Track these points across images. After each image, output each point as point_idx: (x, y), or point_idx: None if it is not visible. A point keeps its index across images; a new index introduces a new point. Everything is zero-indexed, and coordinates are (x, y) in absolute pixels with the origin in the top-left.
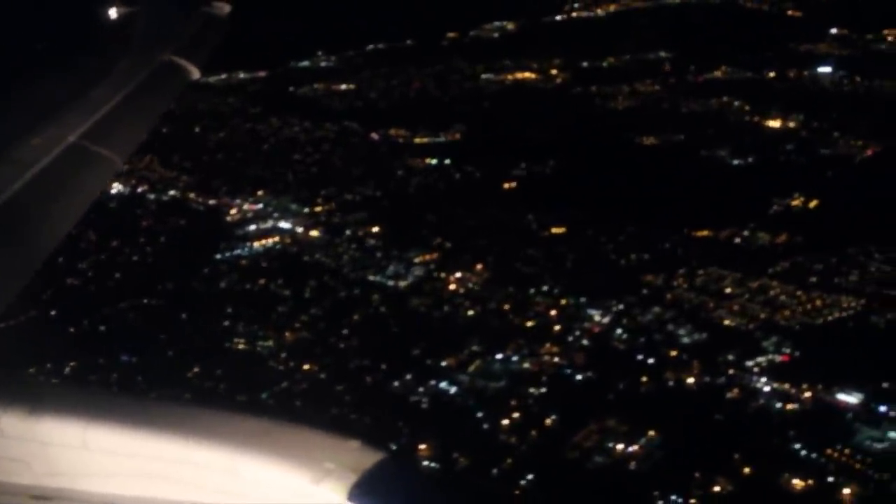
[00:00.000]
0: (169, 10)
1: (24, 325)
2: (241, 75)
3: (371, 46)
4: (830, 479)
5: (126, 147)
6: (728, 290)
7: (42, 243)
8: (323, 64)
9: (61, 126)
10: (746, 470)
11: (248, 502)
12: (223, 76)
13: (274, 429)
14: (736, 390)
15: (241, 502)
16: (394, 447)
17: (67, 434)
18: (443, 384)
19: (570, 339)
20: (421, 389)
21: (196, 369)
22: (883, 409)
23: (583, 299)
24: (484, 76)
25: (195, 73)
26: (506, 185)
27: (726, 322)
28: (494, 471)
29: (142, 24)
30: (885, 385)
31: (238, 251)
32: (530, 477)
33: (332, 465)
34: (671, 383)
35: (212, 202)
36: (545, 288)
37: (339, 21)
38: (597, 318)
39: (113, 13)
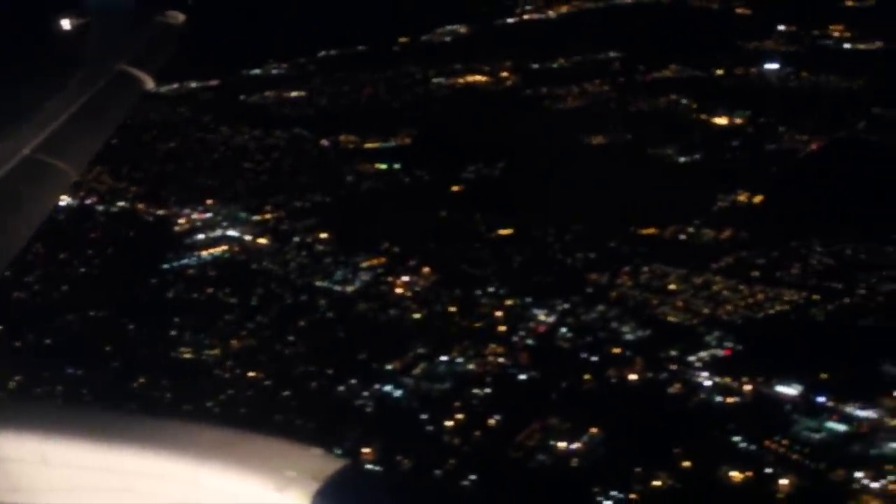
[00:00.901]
0: (122, 21)
1: None
2: (193, 84)
3: (323, 53)
4: (769, 470)
5: (81, 159)
6: (672, 287)
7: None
8: (274, 71)
9: (15, 139)
10: (686, 464)
11: None
12: (175, 86)
13: (234, 438)
14: (678, 385)
15: None
16: (339, 452)
17: (25, 449)
18: (387, 387)
19: (515, 339)
20: (366, 393)
21: (142, 380)
22: (821, 400)
23: (528, 299)
24: (435, 80)
25: (149, 83)
26: (454, 188)
27: (669, 318)
28: (437, 472)
29: (95, 35)
30: (823, 377)
31: (186, 260)
32: (473, 477)
33: (294, 474)
34: (614, 380)
35: (160, 212)
36: (491, 289)
37: (291, 28)
38: (542, 317)
39: (66, 24)
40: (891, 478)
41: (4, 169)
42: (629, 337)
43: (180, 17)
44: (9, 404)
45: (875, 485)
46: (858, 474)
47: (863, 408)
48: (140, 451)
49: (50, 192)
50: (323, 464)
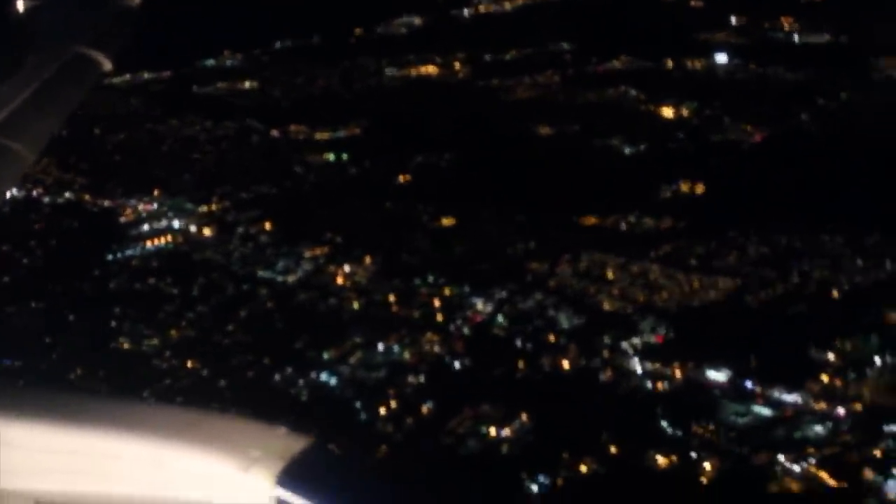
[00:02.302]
0: (78, 2)
1: None
2: (146, 76)
3: (278, 44)
4: (693, 454)
5: (38, 141)
6: (609, 276)
7: None
8: (229, 63)
9: None
10: (613, 449)
11: (177, 493)
12: (127, 77)
13: (199, 420)
14: (609, 372)
15: (169, 493)
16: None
17: None
18: (323, 376)
19: (452, 328)
20: (301, 382)
21: (79, 371)
22: (748, 385)
23: (466, 288)
24: (388, 72)
25: (107, 65)
26: (401, 179)
27: (605, 306)
28: (368, 459)
29: (50, 15)
30: (752, 363)
31: (129, 251)
32: (404, 463)
33: (259, 453)
34: (547, 367)
35: (106, 204)
36: (430, 279)
37: (248, 19)
38: (479, 306)
39: (20, 5)
40: (812, 460)
41: None
42: (564, 325)
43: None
44: None
45: (796, 467)
46: (781, 457)
47: (789, 392)
48: (103, 433)
49: (7, 175)
50: (287, 443)
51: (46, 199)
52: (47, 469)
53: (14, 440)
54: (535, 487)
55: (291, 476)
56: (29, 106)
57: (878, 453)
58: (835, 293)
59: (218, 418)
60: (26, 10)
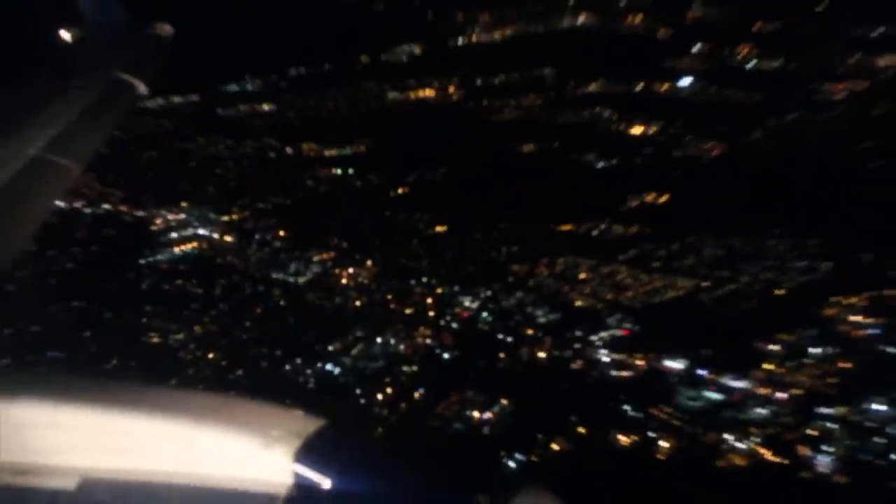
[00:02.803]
0: (117, 32)
1: None
2: (176, 99)
3: (293, 71)
4: (652, 434)
5: (84, 156)
6: (582, 276)
7: (8, 249)
8: (249, 87)
9: (23, 140)
10: (581, 429)
11: (206, 469)
12: (160, 100)
13: (225, 403)
14: (580, 362)
15: (199, 469)
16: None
17: (39, 415)
18: (328, 366)
19: (442, 323)
20: (308, 371)
21: (114, 361)
22: (701, 373)
23: (456, 288)
24: (390, 95)
25: (143, 89)
26: (399, 191)
27: (577, 303)
28: (370, 439)
29: (93, 45)
30: (705, 353)
31: (159, 256)
32: (398, 442)
33: (279, 433)
34: (525, 358)
35: (140, 213)
36: (424, 279)
37: (266, 49)
38: (466, 304)
39: (66, 36)
40: (755, 439)
41: (15, 167)
42: (541, 320)
43: (169, 30)
44: (23, 377)
45: (741, 445)
46: (728, 436)
47: (736, 379)
48: (140, 416)
49: (56, 187)
50: (304, 424)
51: (88, 210)
52: (90, 448)
53: (61, 422)
54: (512, 463)
55: (308, 453)
56: (75, 126)
57: (812, 432)
58: (779, 292)
59: (241, 402)
60: (72, 40)
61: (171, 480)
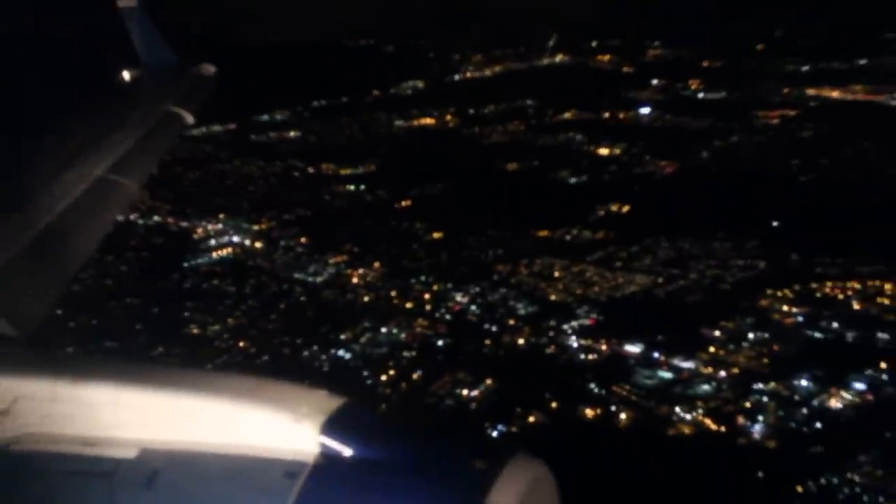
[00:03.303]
0: (168, 72)
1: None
2: (216, 128)
3: (315, 103)
4: (613, 408)
5: (141, 176)
6: (556, 275)
7: (79, 256)
8: (278, 117)
9: (90, 163)
10: (553, 405)
11: (243, 441)
12: (203, 129)
13: (258, 384)
14: (553, 347)
15: (236, 441)
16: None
17: (104, 395)
18: (340, 352)
19: (437, 315)
20: (323, 357)
21: (160, 349)
22: (655, 355)
23: (449, 285)
24: (396, 123)
25: (190, 120)
26: (403, 203)
27: (552, 298)
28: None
29: (149, 82)
30: (658, 338)
31: (199, 261)
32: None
33: (307, 409)
34: (507, 344)
35: (184, 224)
36: (422, 278)
37: (293, 85)
38: (458, 299)
39: (126, 76)
40: (700, 411)
41: (83, 186)
42: (521, 312)
43: (212, 70)
44: (91, 362)
45: (688, 416)
46: (677, 409)
47: (685, 360)
48: (187, 395)
49: (117, 202)
50: (329, 401)
51: (140, 222)
52: (146, 423)
53: (122, 401)
54: (494, 433)
55: (332, 426)
56: (133, 151)
57: (748, 405)
58: (721, 286)
59: (273, 383)
60: (131, 79)
61: (214, 451)
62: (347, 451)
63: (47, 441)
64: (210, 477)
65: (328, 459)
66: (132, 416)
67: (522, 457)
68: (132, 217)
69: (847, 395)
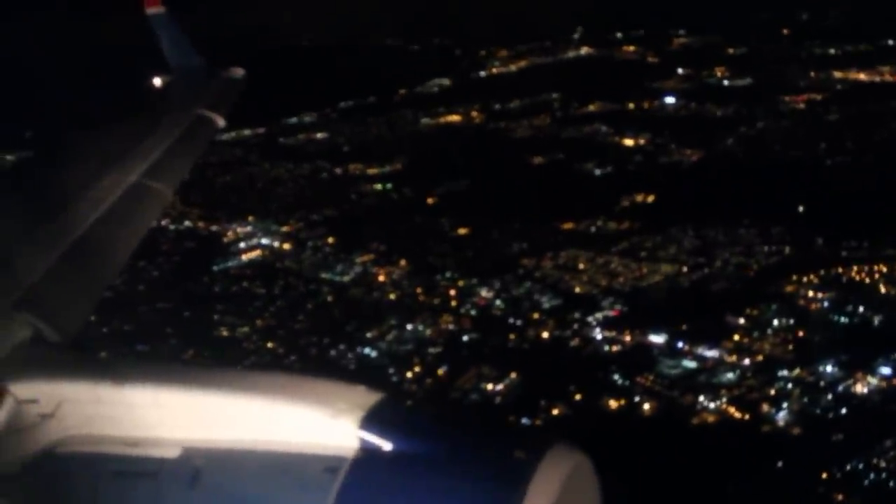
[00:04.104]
0: (199, 76)
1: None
2: (246, 132)
3: (342, 104)
4: (637, 398)
5: (175, 180)
6: (580, 266)
7: (116, 261)
8: (307, 119)
9: (124, 169)
10: (578, 397)
11: (283, 438)
12: (233, 133)
13: (296, 381)
14: (577, 339)
15: (277, 438)
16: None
17: (146, 396)
18: (367, 349)
19: (462, 311)
20: (350, 355)
21: (191, 351)
22: (680, 344)
23: (474, 281)
24: (423, 120)
25: (221, 123)
26: (429, 200)
27: (576, 290)
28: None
29: (179, 86)
30: (683, 328)
31: (230, 263)
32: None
33: (345, 405)
34: (531, 338)
35: (214, 228)
36: (448, 274)
37: (320, 86)
38: (483, 293)
39: (157, 82)
40: (724, 399)
41: (118, 192)
42: (545, 305)
43: (240, 72)
44: (126, 362)
45: (712, 405)
46: (701, 398)
47: (709, 349)
48: (227, 395)
49: (152, 208)
50: (367, 397)
51: (172, 226)
52: (188, 422)
53: (163, 401)
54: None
55: (370, 422)
56: (167, 155)
57: (772, 392)
58: (747, 273)
59: (310, 380)
60: (162, 85)
61: (254, 448)
62: (387, 446)
63: (92, 443)
64: (251, 474)
65: (367, 454)
66: (173, 416)
67: (562, 446)
68: (163, 222)
69: (874, 381)
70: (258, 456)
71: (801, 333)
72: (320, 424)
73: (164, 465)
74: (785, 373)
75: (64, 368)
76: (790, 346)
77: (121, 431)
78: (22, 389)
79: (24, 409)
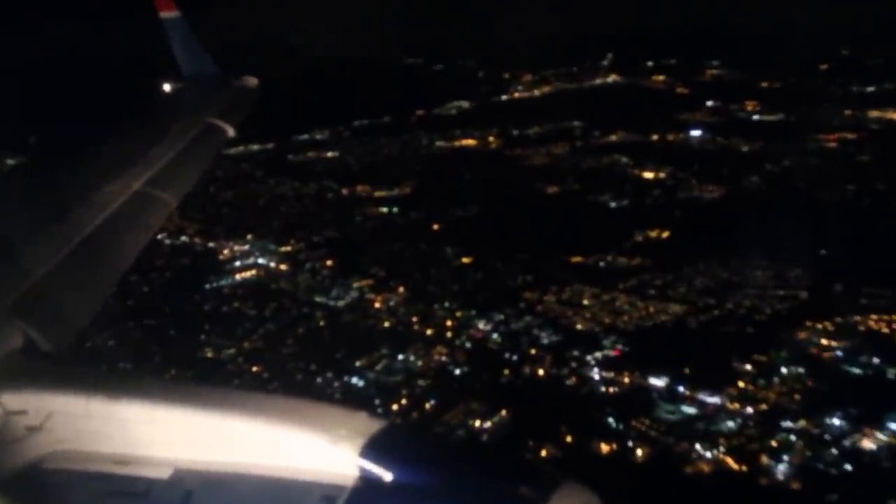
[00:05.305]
0: (210, 84)
1: None
2: (255, 147)
3: (356, 122)
4: (630, 443)
5: (180, 191)
6: (585, 302)
7: (116, 269)
8: (318, 136)
9: (129, 176)
10: (569, 438)
11: (281, 462)
12: (241, 148)
13: (297, 405)
14: (574, 378)
15: (274, 463)
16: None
17: (139, 413)
18: (354, 379)
19: (457, 342)
20: (336, 384)
21: (172, 372)
22: (680, 389)
23: (473, 312)
24: (438, 143)
25: (231, 133)
26: (435, 227)
27: (578, 326)
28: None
29: (190, 95)
30: (685, 371)
31: (223, 282)
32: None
33: (346, 432)
34: (526, 374)
35: (211, 245)
36: (446, 304)
37: (335, 103)
38: (480, 326)
39: (167, 88)
40: (721, 448)
41: (120, 200)
42: (544, 341)
43: (254, 81)
44: (127, 379)
45: (708, 454)
46: (697, 445)
47: (711, 395)
48: (223, 415)
49: (155, 217)
50: (368, 424)
51: (167, 241)
52: (182, 442)
53: (157, 419)
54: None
55: (371, 449)
56: (173, 164)
57: (773, 443)
58: (758, 317)
59: (310, 404)
60: (172, 90)
61: (251, 472)
62: (388, 476)
63: (80, 459)
64: (245, 499)
65: (367, 483)
66: (167, 434)
67: (571, 484)
68: (159, 236)
69: (882, 436)
70: (253, 481)
71: (809, 383)
72: (319, 450)
73: (154, 486)
74: (789, 423)
75: (54, 380)
76: (797, 396)
77: (111, 448)
78: (9, 400)
79: (11, 421)
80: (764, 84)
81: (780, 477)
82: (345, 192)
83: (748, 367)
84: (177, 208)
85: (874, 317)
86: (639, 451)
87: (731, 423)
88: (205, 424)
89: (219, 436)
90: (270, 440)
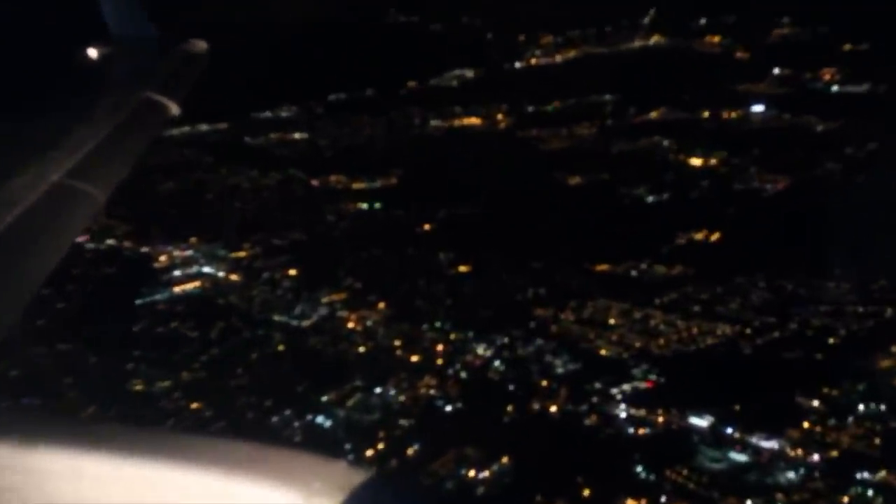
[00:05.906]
0: (147, 48)
1: None
2: (203, 127)
3: (332, 97)
4: (663, 498)
5: (110, 183)
6: (611, 322)
7: (29, 281)
8: (283, 114)
9: (45, 165)
10: (586, 492)
11: None
12: (186, 129)
13: (262, 453)
14: (594, 417)
15: None
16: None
17: (60, 463)
18: (319, 418)
19: (450, 372)
20: (297, 424)
21: (91, 409)
22: (728, 431)
23: (470, 334)
24: (432, 123)
25: (174, 110)
26: (426, 227)
27: (602, 351)
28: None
29: (122, 61)
30: (735, 408)
31: (157, 296)
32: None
33: (321, 485)
34: (535, 411)
35: (144, 250)
36: (437, 324)
37: (306, 71)
38: (479, 351)
39: (92, 53)
40: None
41: (35, 194)
42: (559, 370)
43: (203, 46)
44: (43, 420)
45: None
46: (749, 502)
47: (767, 438)
48: (171, 466)
49: (79, 216)
50: (347, 476)
51: (90, 245)
52: (114, 500)
53: (84, 471)
54: None
55: None
56: (101, 149)
57: (845, 499)
58: (831, 340)
59: (279, 452)
60: (99, 58)
61: None
62: None
63: None
64: None
65: None
66: (99, 490)
67: None
68: (79, 240)
69: None
70: None
71: (892, 424)
72: None
73: None
74: (865, 475)
75: None
76: (876, 441)
77: None
78: None
79: None
80: (846, 47)
81: None
82: (315, 183)
83: (815, 402)
84: (104, 204)
85: None
86: None
87: (790, 474)
88: (148, 477)
89: (166, 491)
90: (229, 497)
